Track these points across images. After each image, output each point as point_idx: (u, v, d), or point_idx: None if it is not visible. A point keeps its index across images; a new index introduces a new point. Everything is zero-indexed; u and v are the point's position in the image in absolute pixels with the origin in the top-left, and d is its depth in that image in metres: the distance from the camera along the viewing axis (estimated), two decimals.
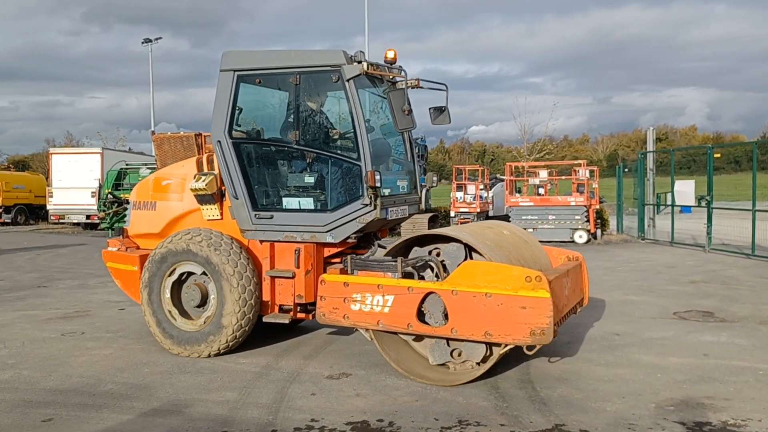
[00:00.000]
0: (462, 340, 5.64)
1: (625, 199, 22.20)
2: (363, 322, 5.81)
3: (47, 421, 4.93)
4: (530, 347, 5.23)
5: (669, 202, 19.64)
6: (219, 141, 6.58)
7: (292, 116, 6.54)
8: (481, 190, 20.13)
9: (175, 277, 6.76)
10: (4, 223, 29.48)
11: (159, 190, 7.35)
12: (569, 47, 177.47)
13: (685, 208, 23.82)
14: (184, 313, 6.80)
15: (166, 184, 7.33)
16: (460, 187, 20.46)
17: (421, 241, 6.12)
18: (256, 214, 6.53)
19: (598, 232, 19.53)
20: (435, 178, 7.58)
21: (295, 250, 6.43)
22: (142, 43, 40.42)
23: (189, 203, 7.03)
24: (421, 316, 5.63)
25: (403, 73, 6.49)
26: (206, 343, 6.55)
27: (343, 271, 6.16)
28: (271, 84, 6.78)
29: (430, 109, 6.92)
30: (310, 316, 6.59)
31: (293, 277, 6.48)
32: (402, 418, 4.90)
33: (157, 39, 41.12)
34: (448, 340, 5.74)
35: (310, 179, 6.55)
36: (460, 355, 5.84)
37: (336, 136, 6.70)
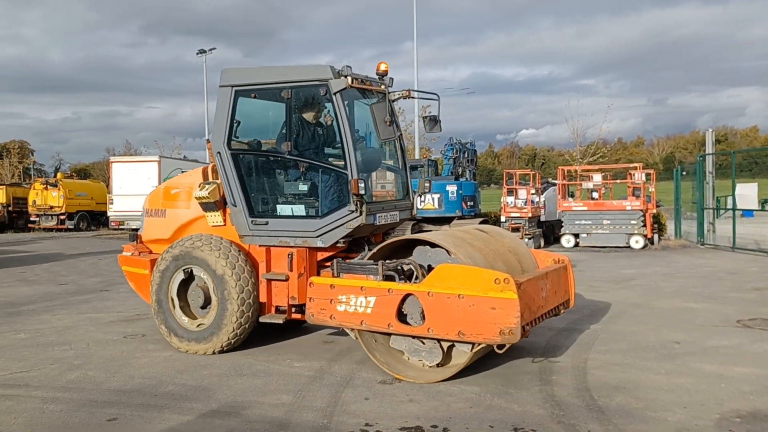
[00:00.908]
0: (437, 339, 5.84)
1: (683, 203, 21.55)
2: (348, 322, 6.09)
3: (112, 421, 5.11)
4: (500, 346, 5.43)
5: (730, 206, 18.96)
6: (219, 152, 6.99)
7: (285, 128, 6.89)
8: (532, 194, 19.83)
9: (180, 280, 7.17)
10: (67, 229, 30.72)
11: (168, 199, 7.84)
12: (623, 48, 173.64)
13: (747, 212, 22.96)
14: (189, 314, 7.21)
15: (175, 193, 7.80)
16: (510, 192, 20.21)
17: (414, 245, 6.31)
18: (252, 221, 6.92)
19: (656, 237, 19.01)
20: (427, 185, 7.92)
21: (288, 255, 6.78)
22: (197, 53, 41.70)
23: (195, 211, 7.44)
24: (402, 316, 5.86)
25: (385, 86, 6.71)
26: (210, 340, 6.92)
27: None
28: (266, 98, 7.17)
29: (423, 118, 7.22)
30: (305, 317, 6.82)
31: (287, 280, 6.81)
32: (456, 425, 4.88)
33: (211, 49, 42.33)
34: (439, 341, 5.92)
35: (302, 187, 6.92)
36: (432, 353, 6.01)
37: (326, 147, 6.94)
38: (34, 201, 31.06)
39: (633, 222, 18.46)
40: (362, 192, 6.33)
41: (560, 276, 6.73)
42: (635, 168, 20.56)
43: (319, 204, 6.75)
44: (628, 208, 18.61)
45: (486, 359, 6.61)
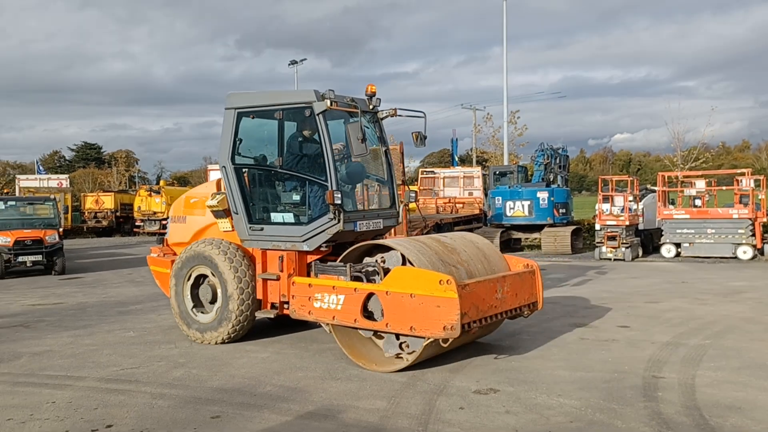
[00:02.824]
0: (393, 333, 6.48)
1: None
2: (322, 317, 6.86)
3: (215, 418, 5.30)
4: (444, 340, 6.03)
5: None
6: (224, 166, 7.82)
7: (278, 145, 7.76)
8: (630, 201, 18.98)
9: (193, 277, 8.08)
10: None
11: (188, 207, 8.79)
12: (727, 47, 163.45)
13: None
14: (200, 307, 8.08)
15: (194, 202, 8.71)
16: (606, 199, 19.41)
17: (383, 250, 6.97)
18: (250, 227, 7.71)
19: (766, 247, 17.73)
20: (412, 195, 8.75)
21: (280, 257, 7.51)
22: (289, 64, 42.97)
23: (209, 218, 8.29)
24: (368, 313, 6.53)
25: (373, 107, 7.60)
26: (217, 331, 7.78)
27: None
28: (263, 118, 7.90)
29: (412, 133, 7.94)
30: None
31: (278, 280, 7.56)
32: None
33: (302, 60, 43.62)
34: (397, 336, 6.56)
35: (292, 198, 7.76)
36: (408, 346, 6.57)
37: (313, 161, 7.51)
38: (139, 207, 32.91)
39: (741, 231, 17.31)
40: (338, 202, 7.01)
41: (523, 279, 7.14)
42: (743, 174, 19.28)
43: (306, 212, 7.48)
44: (735, 216, 17.47)
45: (585, 372, 6.38)
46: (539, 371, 6.44)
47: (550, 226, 20.00)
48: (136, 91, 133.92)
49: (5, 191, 37.00)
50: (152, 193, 32.88)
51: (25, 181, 34.18)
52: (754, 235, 17.28)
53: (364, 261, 7.07)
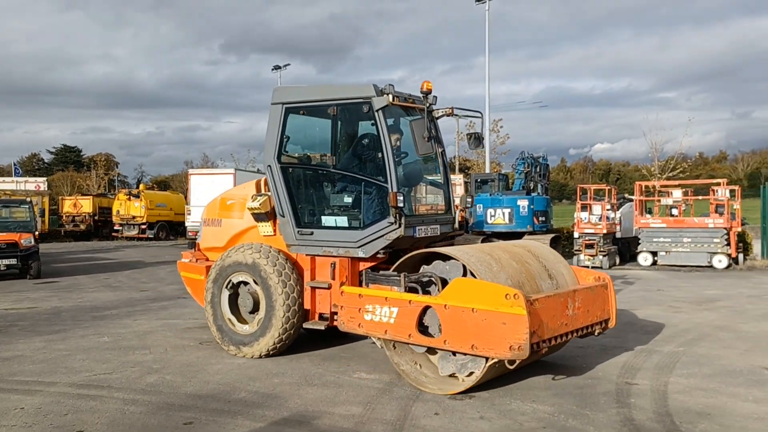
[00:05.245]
0: (453, 351, 5.94)
1: None
2: (373, 331, 6.31)
3: (188, 424, 5.25)
4: (511, 362, 5.50)
5: None
6: (269, 166, 7.34)
7: (331, 143, 7.30)
8: (608, 210, 19.19)
9: (231, 285, 7.55)
10: (147, 238, 32.08)
11: (224, 209, 8.25)
12: (707, 59, 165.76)
13: None
14: (239, 318, 7.55)
15: (230, 204, 8.20)
16: (585, 207, 19.61)
17: (440, 258, 6.40)
18: (299, 231, 7.23)
19: (740, 256, 18.01)
20: (469, 200, 8.09)
21: (331, 264, 7.04)
22: (272, 69, 42.74)
23: (248, 221, 7.80)
24: (423, 327, 6.01)
25: (429, 103, 6.93)
26: (257, 344, 7.23)
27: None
28: (314, 114, 7.44)
29: (467, 135, 7.48)
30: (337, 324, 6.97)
31: (329, 288, 7.06)
32: None
33: (285, 65, 43.42)
34: (454, 352, 6.01)
35: (345, 200, 7.20)
36: (466, 366, 6.02)
37: (369, 161, 7.10)
38: (118, 211, 32.62)
39: (716, 240, 17.59)
40: (401, 205, 6.52)
41: (596, 294, 6.49)
42: (718, 184, 19.60)
43: (361, 216, 6.95)
44: (711, 225, 17.75)
45: (560, 377, 6.42)
46: (513, 377, 6.47)
47: (530, 233, 20.07)
48: (119, 94, 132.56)
49: None
50: (131, 197, 32.62)
51: (1, 184, 33.66)
52: (729, 244, 17.56)
53: (421, 270, 6.52)
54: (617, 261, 18.96)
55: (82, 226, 34.18)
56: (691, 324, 9.37)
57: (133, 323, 9.73)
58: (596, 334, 6.52)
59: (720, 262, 17.50)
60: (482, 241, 16.98)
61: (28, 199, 19.38)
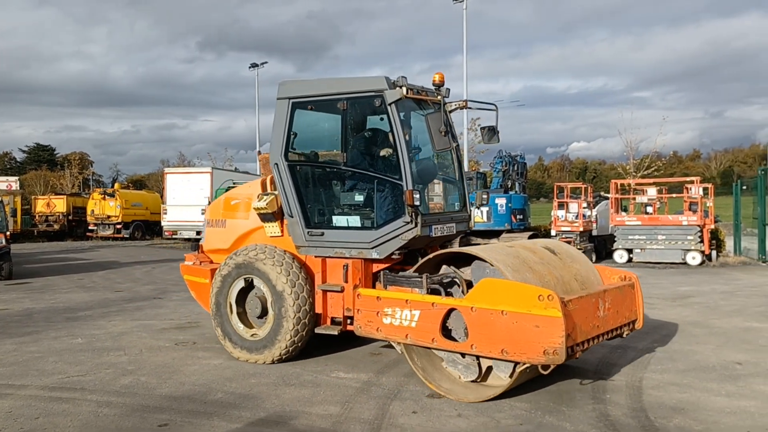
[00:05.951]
0: (481, 356, 5.66)
1: (743, 218, 20.72)
2: (393, 335, 6.04)
3: (163, 426, 5.18)
4: (545, 367, 5.16)
5: None
6: (276, 163, 6.99)
7: (341, 139, 6.91)
8: (584, 208, 19.39)
9: (240, 287, 7.22)
10: (123, 238, 31.65)
11: (229, 209, 7.91)
12: (681, 60, 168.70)
13: None
14: (246, 321, 7.26)
15: (235, 204, 7.86)
16: (561, 205, 19.80)
17: (463, 258, 6.12)
18: (308, 231, 6.88)
19: (713, 253, 18.32)
20: (485, 197, 7.66)
21: (344, 266, 6.69)
22: (249, 67, 42.41)
23: (254, 221, 7.47)
24: (446, 331, 5.71)
25: (441, 96, 6.57)
26: (262, 352, 6.96)
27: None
28: (323, 109, 7.12)
29: (481, 129, 7.09)
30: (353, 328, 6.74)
31: (342, 291, 6.73)
32: None
33: (263, 63, 43.20)
34: (478, 357, 5.75)
35: (357, 198, 6.83)
36: (490, 371, 5.82)
37: (381, 157, 6.80)
38: (93, 210, 32.12)
39: (690, 237, 17.85)
40: (417, 203, 6.22)
41: (624, 294, 6.23)
42: (692, 182, 19.92)
43: (375, 215, 6.62)
44: (685, 223, 18.01)
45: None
46: None
47: (508, 231, 20.24)
48: (94, 92, 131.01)
49: None
50: (106, 197, 32.16)
51: None
52: (702, 241, 17.84)
53: (442, 271, 6.24)
54: (593, 258, 19.14)
55: (56, 226, 33.59)
56: (665, 320, 9.49)
57: (107, 324, 9.58)
58: (624, 335, 6.26)
59: (693, 259, 17.77)
60: (460, 241, 16.99)
61: (0, 199, 19.01)
